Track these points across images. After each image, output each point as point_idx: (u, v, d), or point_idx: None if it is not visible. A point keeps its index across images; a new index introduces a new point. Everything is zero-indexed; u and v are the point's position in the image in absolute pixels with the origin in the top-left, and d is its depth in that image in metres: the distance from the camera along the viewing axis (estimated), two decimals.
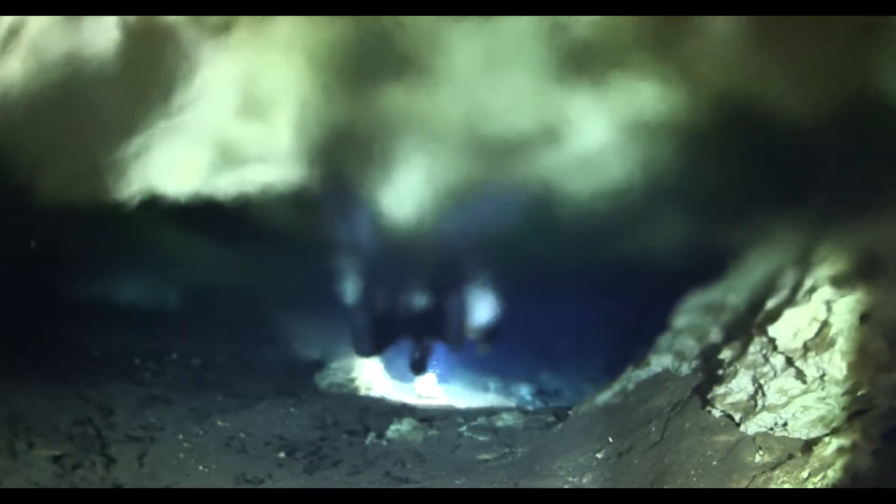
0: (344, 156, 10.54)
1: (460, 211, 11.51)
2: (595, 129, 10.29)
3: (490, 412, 13.12)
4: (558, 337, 20.49)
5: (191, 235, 14.91)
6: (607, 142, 10.39)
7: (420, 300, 15.28)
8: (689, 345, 10.06)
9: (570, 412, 11.06)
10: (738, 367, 8.01)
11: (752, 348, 7.96)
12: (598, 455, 9.09)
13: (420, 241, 12.15)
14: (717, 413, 8.21)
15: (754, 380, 7.79)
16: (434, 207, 11.28)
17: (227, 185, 9.33)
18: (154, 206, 9.88)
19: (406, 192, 10.92)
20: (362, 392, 15.27)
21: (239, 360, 15.85)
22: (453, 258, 14.24)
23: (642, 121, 10.07)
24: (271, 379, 14.86)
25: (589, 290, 17.20)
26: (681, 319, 10.43)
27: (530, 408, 15.77)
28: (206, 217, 11.64)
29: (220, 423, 11.23)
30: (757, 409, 7.69)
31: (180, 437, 10.30)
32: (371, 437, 11.56)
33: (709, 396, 8.30)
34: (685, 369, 9.81)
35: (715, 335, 9.75)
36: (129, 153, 8.96)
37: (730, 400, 8.03)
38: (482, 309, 14.94)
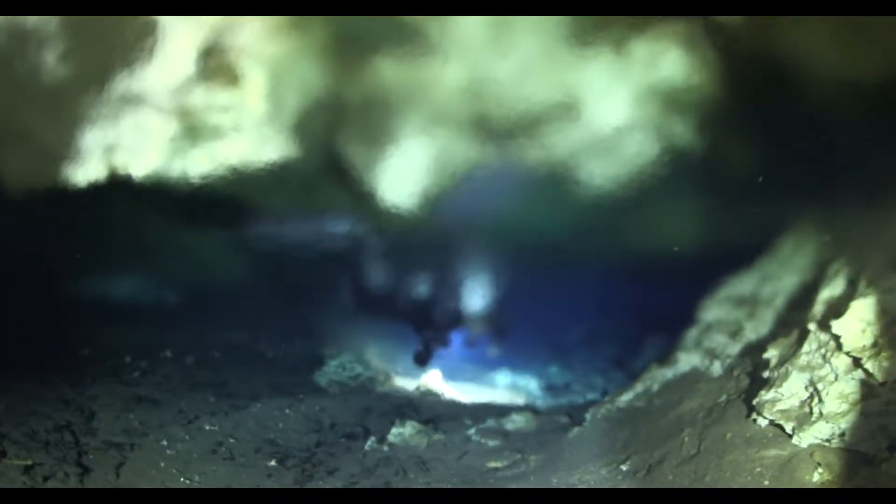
0: (330, 129, 9.30)
1: (464, 197, 10.38)
2: (615, 102, 9.15)
3: (500, 412, 11.78)
4: (569, 329, 19.16)
5: (171, 220, 13.77)
6: (628, 116, 9.29)
7: (423, 290, 14.41)
8: (721, 341, 8.71)
9: (587, 415, 9.53)
10: (790, 368, 6.59)
11: (806, 346, 6.47)
12: (624, 467, 7.70)
13: (421, 229, 11.22)
14: (763, 422, 6.77)
15: (810, 383, 6.32)
16: (436, 192, 10.11)
17: (199, 161, 7.83)
18: (124, 188, 8.53)
19: (405, 176, 9.56)
20: (365, 390, 13.84)
21: (236, 358, 14.75)
22: (456, 247, 13.20)
23: (667, 92, 8.97)
24: (268, 377, 13.75)
25: (603, 280, 15.92)
26: (709, 313, 9.00)
27: (539, 403, 14.76)
28: (182, 200, 10.56)
29: (208, 427, 10.27)
30: (813, 418, 6.24)
31: (164, 442, 9.43)
32: (371, 442, 10.29)
33: (754, 402, 6.89)
34: (717, 369, 8.44)
35: (753, 331, 8.39)
36: (90, 133, 7.55)
37: (780, 407, 6.60)
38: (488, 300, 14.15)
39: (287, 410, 11.61)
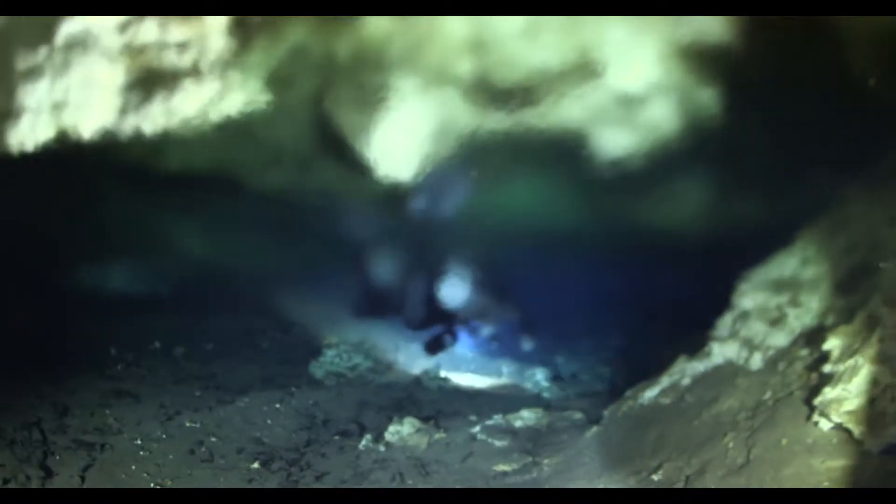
0: (315, 84, 8.09)
1: (466, 169, 9.29)
2: (636, 63, 7.95)
3: (507, 407, 10.51)
4: (580, 318, 17.94)
5: (149, 197, 13.56)
6: (652, 79, 8.14)
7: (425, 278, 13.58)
8: (759, 330, 7.38)
9: (605, 412, 8.18)
10: (859, 361, 5.21)
11: (879, 334, 5.16)
12: (655, 476, 6.37)
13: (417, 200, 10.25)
14: (827, 425, 5.43)
15: (884, 378, 4.99)
16: (435, 162, 8.96)
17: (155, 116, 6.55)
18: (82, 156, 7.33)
19: (401, 143, 8.32)
20: (363, 381, 12.55)
21: (228, 349, 13.51)
22: (458, 228, 12.10)
23: (695, 52, 7.75)
24: (261, 368, 12.53)
25: (617, 263, 14.79)
26: (744, 299, 7.66)
27: (547, 395, 13.51)
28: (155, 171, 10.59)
29: (188, 425, 9.23)
30: (888, 420, 4.96)
31: (138, 442, 8.46)
32: (366, 441, 9.03)
33: (816, 402, 5.53)
34: (757, 362, 7.13)
35: (798, 318, 7.04)
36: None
37: (847, 407, 5.21)
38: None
39: (277, 405, 10.40)
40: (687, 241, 10.62)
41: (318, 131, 9.54)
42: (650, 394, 7.71)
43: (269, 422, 9.76)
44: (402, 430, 8.91)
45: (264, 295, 16.42)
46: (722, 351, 7.45)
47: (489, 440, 8.81)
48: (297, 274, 16.21)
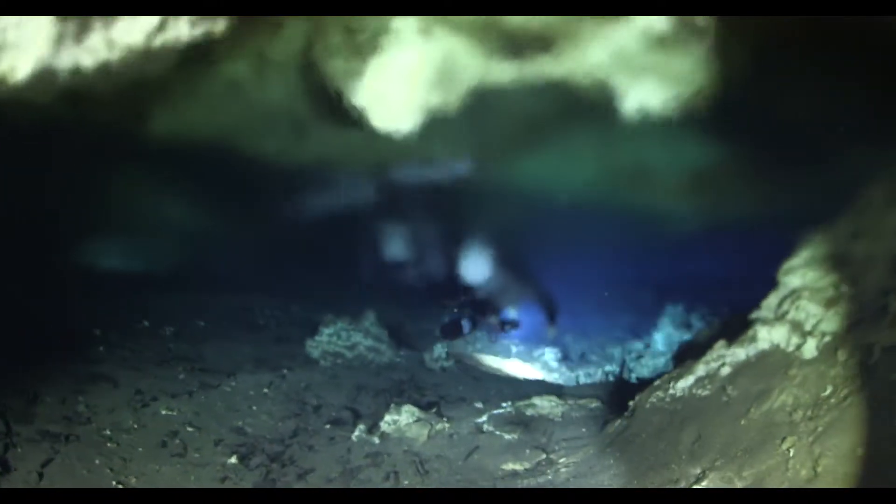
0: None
1: (471, 127, 8.96)
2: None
3: (517, 393, 9.38)
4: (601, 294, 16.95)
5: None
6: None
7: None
8: (812, 312, 6.01)
9: (630, 403, 6.86)
10: None
11: None
12: (700, 487, 5.00)
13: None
14: None
15: None
16: (438, 118, 7.73)
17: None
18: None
19: (397, 92, 7.13)
20: (363, 362, 11.23)
21: (221, 328, 12.38)
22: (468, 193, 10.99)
23: None
24: (255, 348, 11.38)
25: (639, 239, 13.89)
26: (794, 276, 6.28)
27: (557, 377, 13.05)
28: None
29: (164, 412, 8.15)
30: None
31: (107, 432, 7.41)
32: (360, 432, 7.81)
33: None
34: (810, 349, 5.76)
35: (856, 301, 5.70)
36: None
37: None
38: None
39: (265, 390, 9.25)
40: (718, 215, 9.64)
41: (306, 82, 8.48)
42: (684, 384, 6.37)
43: (254, 408, 8.66)
44: (400, 420, 7.66)
45: (264, 270, 15.58)
46: (768, 336, 6.10)
47: (497, 432, 7.51)
48: (299, 247, 14.92)
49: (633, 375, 14.99)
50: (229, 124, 10.58)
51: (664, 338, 16.21)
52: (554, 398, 8.28)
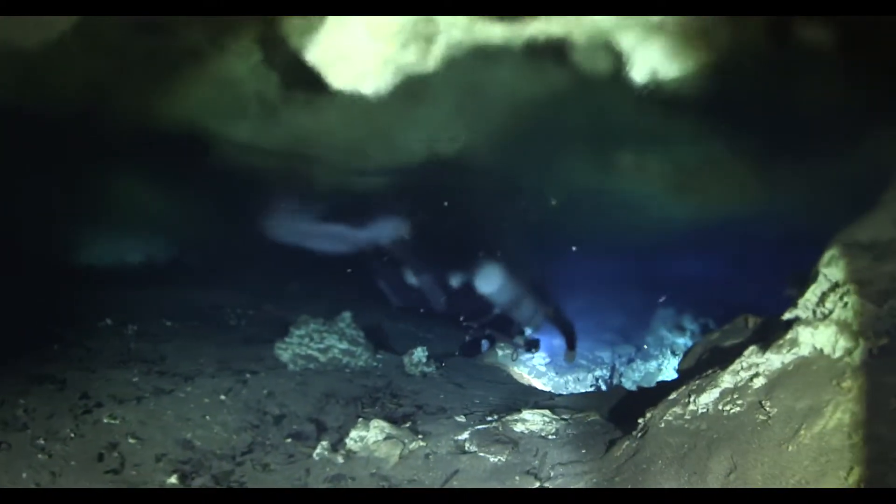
0: None
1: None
2: None
3: (504, 404, 8.18)
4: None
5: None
6: None
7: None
8: (864, 309, 4.74)
9: (641, 421, 5.44)
10: None
11: None
12: None
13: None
14: None
15: None
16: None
17: None
18: None
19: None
20: (336, 367, 9.79)
21: (189, 327, 11.01)
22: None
23: None
24: (221, 350, 9.89)
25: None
26: (836, 267, 5.06)
27: (546, 381, 12.31)
28: None
29: (106, 421, 6.84)
30: None
31: (41, 441, 6.28)
32: (322, 449, 6.40)
33: None
34: (861, 353, 4.45)
35: None
36: None
37: None
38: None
39: (223, 397, 7.88)
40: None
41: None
42: (707, 398, 4.96)
43: (207, 418, 7.35)
44: (368, 437, 6.25)
45: (237, 267, 14.40)
46: (811, 339, 4.74)
47: (481, 453, 6.04)
48: (276, 244, 13.81)
49: (625, 380, 14.03)
50: (193, 104, 9.61)
51: (656, 341, 15.18)
52: (547, 412, 6.83)
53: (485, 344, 11.78)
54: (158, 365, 8.82)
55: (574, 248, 14.14)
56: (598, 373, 14.35)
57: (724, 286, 15.82)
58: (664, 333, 15.24)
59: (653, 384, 13.78)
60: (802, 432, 4.15)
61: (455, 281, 10.76)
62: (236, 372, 8.82)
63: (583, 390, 13.55)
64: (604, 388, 13.85)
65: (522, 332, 11.21)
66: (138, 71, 8.71)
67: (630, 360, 14.95)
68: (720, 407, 4.81)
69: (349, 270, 12.62)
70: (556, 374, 13.77)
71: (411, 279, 11.62)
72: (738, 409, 4.69)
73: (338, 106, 7.45)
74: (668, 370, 14.06)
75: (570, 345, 11.17)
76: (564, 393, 11.97)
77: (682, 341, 14.94)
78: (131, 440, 6.56)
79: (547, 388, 12.50)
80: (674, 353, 14.62)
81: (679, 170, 11.35)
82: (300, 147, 10.71)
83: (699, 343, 8.01)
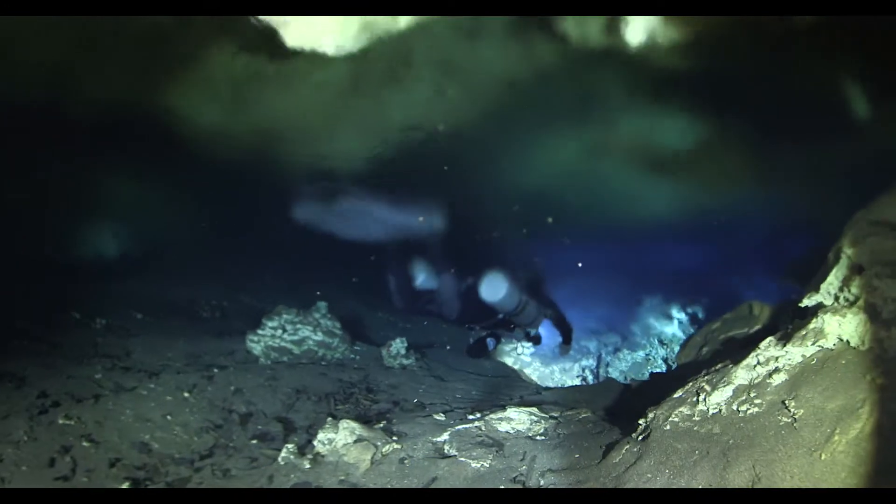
0: None
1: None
2: None
3: (486, 393, 7.68)
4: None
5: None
6: None
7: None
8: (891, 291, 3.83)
9: (642, 422, 4.66)
10: None
11: None
12: None
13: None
14: None
15: None
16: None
17: None
18: None
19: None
20: (311, 360, 9.05)
21: (160, 320, 10.28)
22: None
23: None
24: (189, 343, 9.11)
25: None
26: (862, 248, 4.40)
27: (534, 375, 11.63)
28: None
29: (62, 422, 6.15)
30: None
31: None
32: (287, 452, 5.58)
33: None
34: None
35: None
36: None
37: None
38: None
39: (186, 394, 7.10)
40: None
41: None
42: (719, 396, 4.19)
43: (168, 418, 6.62)
44: (337, 440, 5.47)
45: (211, 259, 13.64)
46: (837, 328, 4.00)
47: (462, 458, 5.24)
48: (251, 234, 13.15)
49: (612, 370, 13.43)
50: (160, 87, 8.97)
51: (643, 329, 14.60)
52: (534, 409, 6.03)
53: (491, 343, 11.22)
54: (124, 360, 8.10)
55: (567, 241, 13.69)
56: (584, 362, 13.74)
57: (709, 274, 15.33)
58: (651, 322, 14.69)
59: (642, 375, 13.26)
60: (836, 438, 3.42)
61: (469, 286, 10.15)
62: (204, 367, 8.13)
63: (570, 381, 12.93)
64: (591, 378, 13.26)
65: (528, 333, 10.62)
66: (101, 50, 8.03)
67: (616, 350, 14.34)
68: (735, 407, 4.05)
69: (372, 258, 11.88)
70: (542, 364, 13.15)
71: (427, 282, 10.95)
72: (756, 409, 3.93)
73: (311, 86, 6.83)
74: (657, 360, 13.53)
75: (566, 340, 10.56)
76: (551, 385, 11.27)
77: (670, 330, 14.43)
78: (86, 443, 5.89)
79: (533, 378, 11.87)
80: (661, 343, 14.08)
81: (667, 153, 10.74)
82: (274, 132, 9.99)
83: (697, 333, 7.28)
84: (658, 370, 13.35)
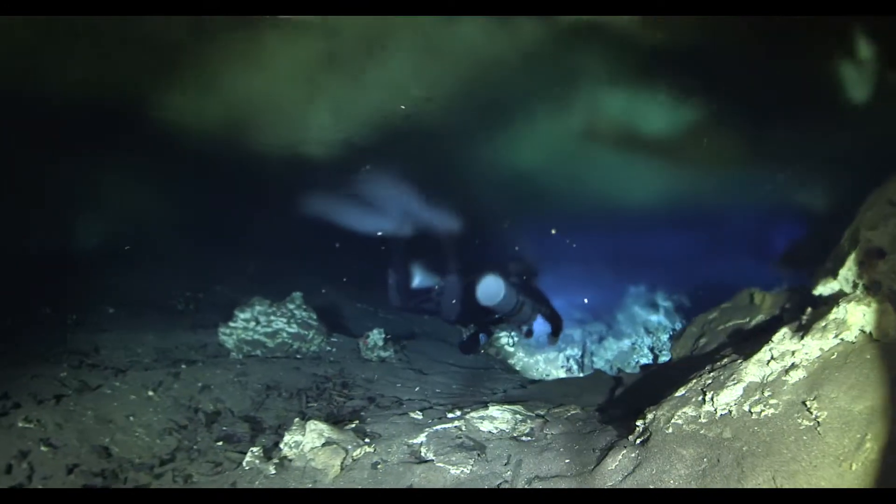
0: None
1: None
2: None
3: (467, 386, 7.20)
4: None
5: None
6: None
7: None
8: None
9: (639, 424, 4.08)
10: None
11: None
12: None
13: None
14: None
15: None
16: None
17: None
18: None
19: None
20: (286, 354, 8.51)
21: (131, 314, 9.73)
22: None
23: None
24: (160, 338, 8.54)
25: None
26: (882, 231, 3.75)
27: (518, 366, 11.26)
28: None
29: (21, 425, 5.62)
30: None
31: None
32: (252, 456, 5.04)
33: None
34: None
35: None
36: None
37: None
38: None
39: (150, 393, 6.54)
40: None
41: None
42: (728, 396, 3.62)
43: (131, 419, 6.08)
44: (304, 443, 4.90)
45: (186, 249, 13.17)
46: (861, 318, 3.46)
47: (439, 462, 4.65)
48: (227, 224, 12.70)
49: (597, 359, 12.97)
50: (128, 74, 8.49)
51: (628, 318, 14.15)
52: (519, 407, 5.45)
53: (483, 338, 10.94)
54: (92, 357, 7.61)
55: (553, 231, 13.34)
56: (568, 352, 13.22)
57: (694, 262, 14.94)
58: (637, 311, 14.23)
59: (628, 364, 12.79)
60: (868, 445, 2.88)
61: (466, 287, 9.77)
62: (173, 362, 7.62)
63: (554, 371, 12.41)
64: (576, 367, 12.75)
65: (522, 328, 10.28)
66: (62, 36, 7.51)
67: (601, 339, 13.86)
68: (747, 408, 3.50)
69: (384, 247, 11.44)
70: (526, 354, 12.65)
71: (425, 280, 10.50)
72: (772, 410, 3.38)
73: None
74: (643, 349, 13.06)
75: (556, 332, 10.18)
76: (536, 377, 10.78)
77: (656, 318, 13.98)
78: (44, 448, 5.40)
79: (517, 369, 11.38)
80: (647, 331, 13.62)
81: (653, 135, 10.29)
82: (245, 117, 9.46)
83: (692, 323, 6.71)
84: (645, 359, 12.94)
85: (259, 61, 7.90)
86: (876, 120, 7.74)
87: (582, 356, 13.33)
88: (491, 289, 8.82)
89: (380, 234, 9.79)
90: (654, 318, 14.03)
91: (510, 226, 13.86)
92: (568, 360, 13.02)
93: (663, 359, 12.47)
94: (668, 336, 13.33)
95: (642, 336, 13.56)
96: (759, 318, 5.51)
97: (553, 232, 13.86)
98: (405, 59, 7.94)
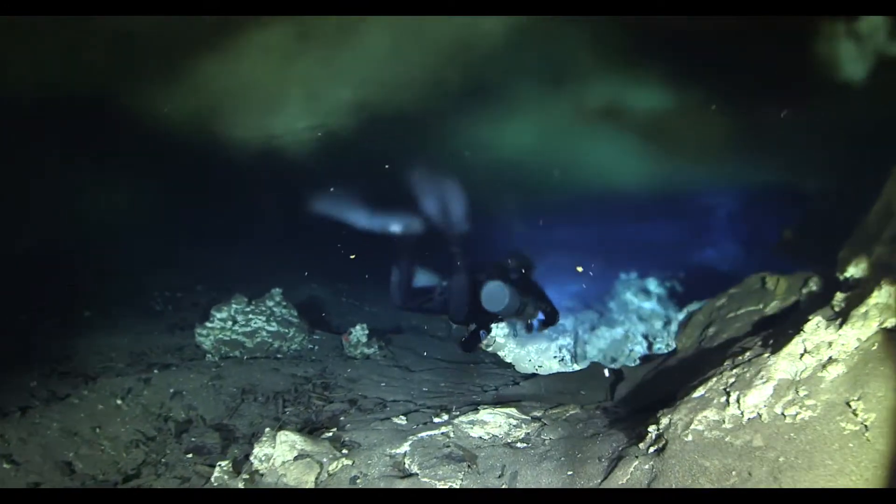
0: None
1: None
2: None
3: (454, 384, 6.78)
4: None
5: None
6: None
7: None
8: None
9: (653, 429, 3.49)
10: None
11: None
12: None
13: None
14: None
15: None
16: None
17: None
18: None
19: None
20: (265, 354, 7.94)
21: (107, 316, 9.19)
22: None
23: None
24: (134, 341, 8.10)
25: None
26: None
27: (508, 358, 10.89)
28: None
29: None
30: None
31: None
32: (221, 471, 4.47)
33: None
34: None
35: None
36: None
37: None
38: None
39: (119, 401, 6.02)
40: None
41: None
42: (756, 396, 3.04)
43: (97, 430, 5.59)
44: (274, 455, 4.33)
45: (165, 248, 12.62)
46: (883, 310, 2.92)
47: (425, 477, 4.06)
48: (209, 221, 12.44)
49: (590, 349, 12.52)
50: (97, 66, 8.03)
51: (620, 306, 13.69)
52: (512, 410, 4.88)
53: (483, 334, 10.46)
54: (64, 364, 7.23)
55: (541, 222, 12.94)
56: (561, 342, 12.74)
57: (683, 248, 14.58)
58: (629, 298, 13.75)
59: (622, 353, 12.31)
60: None
61: (471, 287, 9.41)
62: (146, 367, 7.10)
63: (547, 362, 11.91)
64: (569, 358, 12.27)
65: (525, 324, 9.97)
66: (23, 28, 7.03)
67: (593, 328, 13.38)
68: (780, 410, 2.92)
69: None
70: (517, 345, 12.19)
71: (429, 280, 10.09)
72: (809, 413, 2.82)
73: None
74: (637, 336, 12.57)
75: (551, 322, 9.83)
76: (529, 370, 10.27)
77: (649, 305, 13.51)
78: (6, 465, 5.06)
79: (508, 361, 10.91)
80: (641, 319, 13.14)
81: (639, 119, 9.83)
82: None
83: (699, 311, 6.11)
84: (640, 347, 12.50)
85: (230, 48, 7.41)
86: (877, 96, 7.33)
87: (575, 346, 12.89)
88: (495, 296, 8.45)
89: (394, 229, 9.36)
90: (646, 304, 13.59)
91: (517, 221, 13.55)
92: (560, 350, 12.57)
93: (658, 347, 12.04)
94: (661, 324, 12.90)
95: (635, 323, 13.10)
96: (774, 303, 4.95)
97: (540, 223, 13.45)
98: (381, 40, 7.47)
